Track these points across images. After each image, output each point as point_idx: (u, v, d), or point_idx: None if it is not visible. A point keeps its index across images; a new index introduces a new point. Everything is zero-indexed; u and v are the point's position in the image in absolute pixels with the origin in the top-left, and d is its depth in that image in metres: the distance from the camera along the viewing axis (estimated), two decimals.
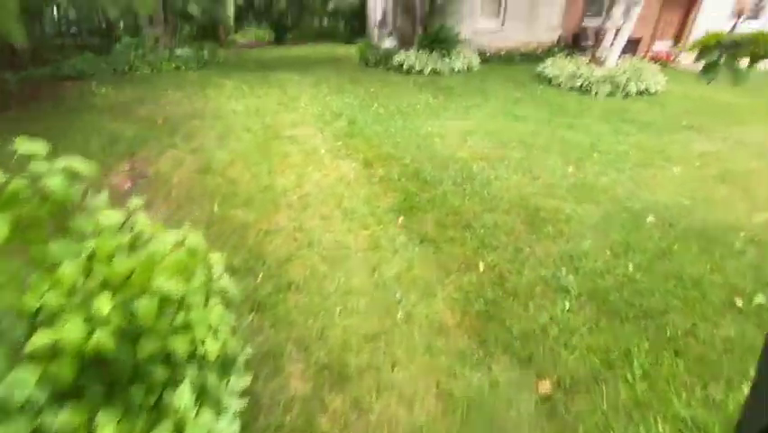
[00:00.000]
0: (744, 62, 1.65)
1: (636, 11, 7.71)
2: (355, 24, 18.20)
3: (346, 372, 1.88)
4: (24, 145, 1.17)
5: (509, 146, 4.82)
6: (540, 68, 8.75)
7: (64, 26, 15.85)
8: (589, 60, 8.36)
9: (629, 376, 1.88)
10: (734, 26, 9.71)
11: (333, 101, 6.75)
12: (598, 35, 8.29)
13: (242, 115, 5.95)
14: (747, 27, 10.96)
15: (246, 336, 2.00)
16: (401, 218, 3.18)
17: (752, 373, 1.09)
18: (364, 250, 2.79)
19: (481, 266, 2.65)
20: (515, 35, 11.00)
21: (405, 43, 10.89)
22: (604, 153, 4.60)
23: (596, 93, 7.37)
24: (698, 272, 2.62)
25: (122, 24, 13.48)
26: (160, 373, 1.18)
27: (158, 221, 3.27)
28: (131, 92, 7.28)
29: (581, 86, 7.61)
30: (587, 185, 3.80)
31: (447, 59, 9.17)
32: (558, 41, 11.03)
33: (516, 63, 10.44)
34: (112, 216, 1.27)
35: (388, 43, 11.70)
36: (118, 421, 1.05)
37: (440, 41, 9.22)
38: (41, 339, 0.97)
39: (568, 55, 9.57)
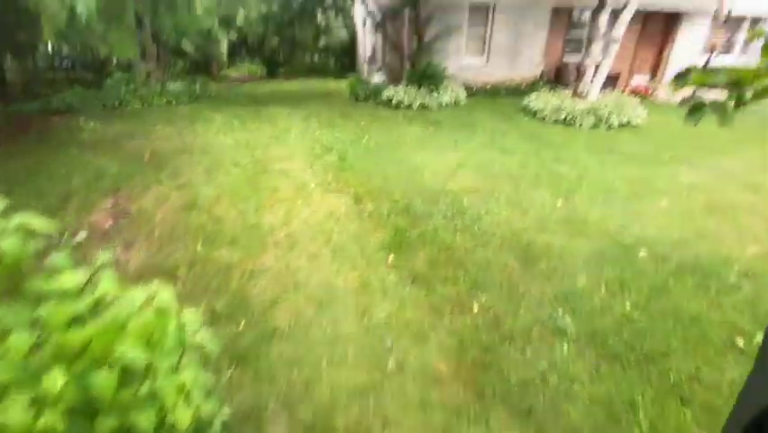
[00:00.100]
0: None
1: (615, 48, 8.08)
2: (346, 60, 18.79)
3: None
4: None
5: (498, 179, 4.84)
6: (525, 101, 9.02)
7: (57, 60, 16.06)
8: (572, 94, 8.65)
9: (636, 431, 1.76)
10: (707, 61, 10.23)
11: (323, 135, 6.80)
12: (579, 70, 8.63)
13: (231, 149, 5.93)
14: (720, 62, 11.57)
15: (224, 395, 1.84)
16: (391, 256, 3.10)
17: None
18: (353, 291, 2.68)
19: (475, 307, 2.55)
20: (499, 71, 11.42)
21: (394, 79, 11.21)
22: (592, 186, 4.64)
23: (580, 125, 7.57)
24: (695, 310, 2.55)
25: (115, 59, 13.69)
26: None
27: (137, 262, 3.14)
28: (119, 126, 7.26)
29: (566, 118, 7.82)
30: (577, 218, 3.79)
31: (435, 94, 9.41)
32: (541, 75, 11.46)
33: (502, 97, 10.76)
34: (72, 278, 1.16)
35: (378, 78, 12.03)
36: None
37: (428, 77, 9.49)
38: None
39: (551, 89, 9.90)
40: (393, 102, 9.40)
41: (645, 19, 11.72)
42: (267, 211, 3.86)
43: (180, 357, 1.33)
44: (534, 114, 8.43)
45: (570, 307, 2.55)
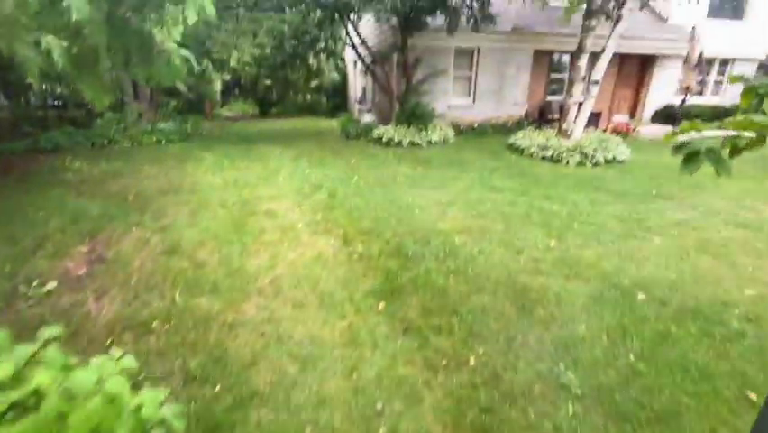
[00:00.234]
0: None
1: (596, 89, 8.41)
2: (337, 100, 19.31)
3: None
4: None
5: (489, 217, 4.79)
6: (512, 139, 9.23)
7: (50, 99, 16.16)
8: (557, 133, 8.89)
9: None
10: (683, 101, 10.71)
11: (313, 173, 6.77)
12: (563, 109, 8.93)
13: (219, 189, 5.83)
14: (695, 101, 12.15)
15: None
16: (382, 304, 2.94)
17: None
18: (341, 345, 2.50)
19: (472, 360, 2.38)
20: (485, 110, 11.80)
21: (383, 119, 11.47)
22: (584, 224, 4.61)
23: (567, 162, 7.71)
24: (702, 360, 2.42)
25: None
26: None
27: (109, 313, 2.92)
28: (106, 166, 7.15)
29: (552, 156, 7.97)
30: (572, 259, 3.70)
31: (424, 133, 9.60)
32: (525, 114, 11.85)
33: (489, 135, 11.03)
34: (4, 368, 1.00)
35: (368, 118, 12.31)
36: None
37: (416, 117, 9.72)
38: None
39: (537, 128, 10.20)
40: (383, 140, 9.54)
41: (621, 61, 12.38)
42: (252, 255, 3.71)
43: None
44: (522, 151, 8.60)
45: (571, 359, 2.40)
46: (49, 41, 2.05)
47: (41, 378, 1.00)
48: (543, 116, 11.28)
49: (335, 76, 19.19)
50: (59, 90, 15.87)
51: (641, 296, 3.10)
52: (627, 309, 2.91)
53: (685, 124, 1.60)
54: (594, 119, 10.00)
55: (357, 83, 16.37)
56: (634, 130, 10.72)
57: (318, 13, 10.30)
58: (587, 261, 3.69)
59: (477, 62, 11.45)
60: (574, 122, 8.61)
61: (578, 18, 9.13)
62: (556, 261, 3.68)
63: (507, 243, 4.05)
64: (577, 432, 1.92)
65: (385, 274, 3.37)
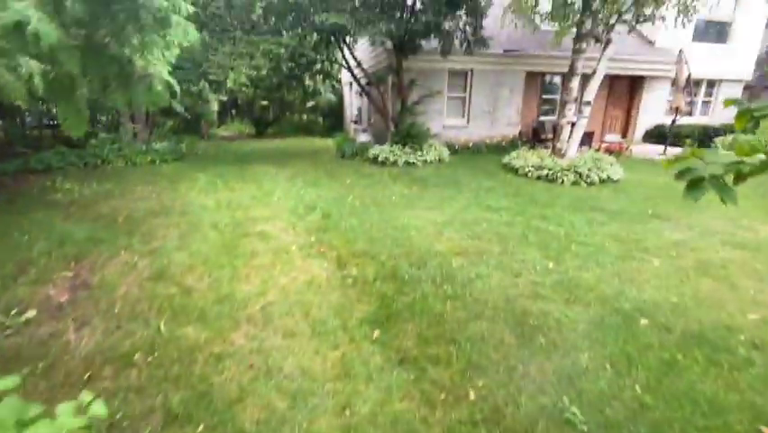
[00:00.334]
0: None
1: (588, 109, 8.53)
2: (333, 120, 19.50)
3: None
4: None
5: (486, 238, 4.72)
6: (506, 159, 9.28)
7: (45, 118, 16.15)
8: (551, 152, 8.96)
9: None
10: (673, 121, 10.89)
11: (308, 194, 6.72)
12: (556, 129, 9.03)
13: (211, 210, 5.74)
14: (685, 121, 12.38)
15: None
16: (377, 332, 2.82)
17: None
18: (333, 378, 2.37)
19: (472, 394, 2.26)
20: (479, 130, 11.93)
21: (379, 139, 11.53)
22: (581, 245, 4.55)
23: (562, 181, 7.72)
24: (711, 391, 2.32)
25: (104, 118, 13.83)
26: None
27: (90, 345, 2.77)
28: (97, 187, 7.06)
29: (547, 175, 8.00)
30: (571, 282, 3.62)
31: (419, 153, 9.64)
32: (519, 134, 11.99)
33: (484, 154, 11.11)
34: None
35: (364, 138, 12.38)
36: None
37: (412, 137, 9.78)
38: None
39: (531, 147, 10.29)
40: (379, 160, 9.56)
41: (612, 83, 12.66)
42: (242, 280, 3.59)
43: None
44: (516, 171, 8.62)
45: (575, 391, 2.28)
46: (32, 65, 2.00)
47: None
48: (536, 136, 11.41)
49: (331, 96, 19.44)
50: (54, 110, 15.90)
51: (643, 321, 3.01)
52: (630, 336, 2.82)
53: (687, 149, 1.55)
54: (587, 139, 10.11)
55: (353, 103, 16.57)
56: (627, 149, 10.83)
57: (314, 36, 10.49)
58: (586, 284, 3.61)
59: (471, 83, 11.65)
60: (568, 141, 8.69)
61: (568, 41, 9.36)
62: (555, 284, 3.59)
63: (504, 265, 3.97)
64: None
65: (380, 300, 3.27)
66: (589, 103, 8.48)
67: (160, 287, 3.44)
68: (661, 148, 11.32)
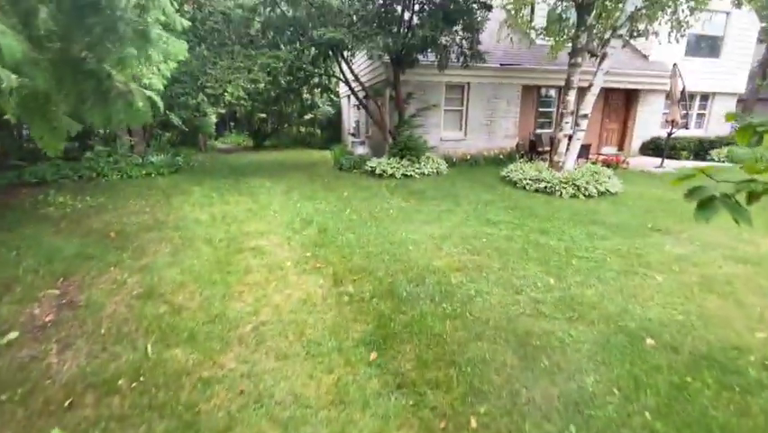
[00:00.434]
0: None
1: (585, 122, 8.55)
2: (331, 132, 19.57)
3: None
4: None
5: (485, 253, 4.64)
6: (504, 171, 9.26)
7: None
8: (549, 165, 8.94)
9: None
10: (669, 134, 10.95)
11: (304, 207, 6.64)
12: (553, 142, 9.03)
13: (205, 224, 5.64)
14: (680, 134, 12.45)
15: None
16: (373, 354, 2.71)
17: None
18: (328, 405, 2.25)
19: (473, 422, 2.14)
20: (477, 143, 11.96)
21: (377, 151, 11.53)
22: (582, 260, 4.47)
23: (560, 194, 7.69)
24: (724, 418, 2.21)
25: (101, 131, 13.78)
26: None
27: (72, 369, 2.64)
28: (91, 200, 6.95)
29: (546, 188, 7.96)
30: (573, 300, 3.53)
31: (417, 165, 9.62)
32: (517, 147, 12.01)
33: (482, 167, 11.10)
34: None
35: (361, 150, 12.39)
36: None
37: (409, 149, 9.77)
38: None
39: (528, 160, 10.29)
40: (376, 172, 9.52)
41: (608, 96, 12.78)
42: (235, 298, 3.48)
43: None
44: (515, 183, 8.59)
45: (582, 418, 2.17)
46: (12, 78, 1.93)
47: None
48: (533, 149, 11.43)
49: (329, 109, 19.55)
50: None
51: (649, 341, 2.91)
52: (637, 357, 2.71)
53: (695, 167, 1.49)
54: (584, 151, 10.13)
55: (350, 116, 16.64)
56: (624, 161, 10.85)
57: (312, 50, 10.56)
58: (589, 301, 3.52)
59: (468, 97, 11.72)
60: (565, 154, 8.69)
61: (563, 54, 9.46)
62: (557, 301, 3.50)
63: (505, 281, 3.88)
64: None
65: (377, 319, 3.16)
66: (586, 116, 8.50)
67: (149, 306, 3.32)
68: (657, 160, 11.36)
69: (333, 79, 14.48)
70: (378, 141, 11.88)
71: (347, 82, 11.59)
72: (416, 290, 3.68)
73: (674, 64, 10.52)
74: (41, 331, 3.03)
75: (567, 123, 8.66)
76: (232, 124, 23.21)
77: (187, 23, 3.42)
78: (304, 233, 5.33)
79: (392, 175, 9.35)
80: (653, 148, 12.99)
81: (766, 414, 2.25)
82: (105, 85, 2.68)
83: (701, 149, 12.52)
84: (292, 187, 8.39)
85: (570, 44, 8.82)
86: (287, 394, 2.34)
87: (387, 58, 10.03)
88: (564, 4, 9.55)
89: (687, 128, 13.39)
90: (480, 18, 9.61)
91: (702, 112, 14.12)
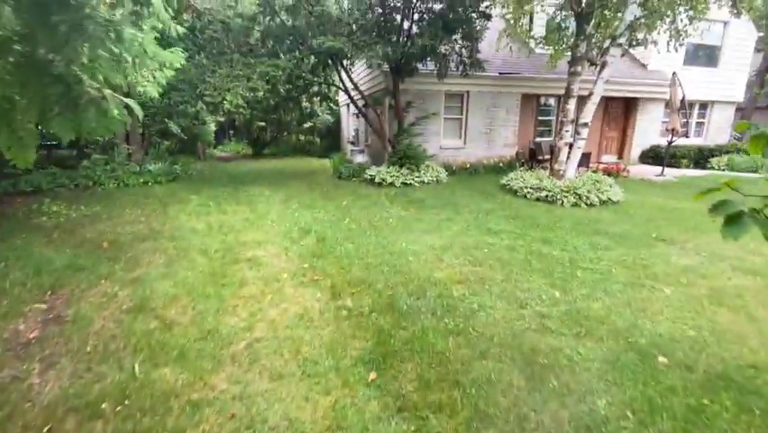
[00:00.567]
0: None
1: (586, 130, 8.50)
2: (330, 140, 19.54)
3: None
4: None
5: (487, 264, 4.52)
6: (504, 179, 9.18)
7: (41, 139, 15.99)
8: (549, 173, 8.87)
9: None
10: (669, 142, 10.91)
11: (302, 216, 6.52)
12: (553, 150, 8.97)
13: (201, 234, 5.52)
14: (680, 142, 12.42)
15: None
16: (373, 374, 2.57)
17: None
18: (324, 431, 2.11)
19: None
20: (476, 151, 11.91)
21: (376, 159, 11.46)
22: (587, 271, 4.35)
23: (562, 203, 7.59)
24: None
25: (100, 139, 13.71)
26: None
27: (54, 390, 2.49)
28: (86, 209, 6.83)
29: (547, 197, 7.87)
30: (580, 314, 3.40)
31: (416, 173, 9.54)
32: (517, 155, 11.96)
33: (481, 175, 11.03)
34: None
35: (360, 159, 12.32)
36: None
37: (409, 157, 9.70)
38: None
39: (528, 168, 10.22)
40: (376, 180, 9.44)
41: (607, 104, 12.77)
42: (229, 312, 3.35)
43: None
44: (515, 192, 8.51)
45: None
46: None
47: None
48: (533, 157, 11.37)
49: (329, 117, 19.56)
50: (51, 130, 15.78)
51: (662, 359, 2.78)
52: (650, 377, 2.58)
53: (718, 185, 1.39)
54: (585, 160, 10.07)
55: (350, 125, 16.62)
56: (624, 170, 10.79)
57: (312, 59, 10.55)
58: (596, 315, 3.39)
59: (467, 105, 11.70)
60: (566, 162, 8.62)
61: (563, 63, 9.44)
62: (563, 316, 3.37)
63: (508, 295, 3.75)
64: None
65: (377, 335, 3.02)
66: (586, 124, 8.45)
67: (139, 321, 3.19)
68: (657, 168, 11.31)
69: (333, 88, 14.47)
70: (377, 149, 11.82)
71: (346, 91, 11.57)
72: (417, 303, 3.56)
73: (674, 73, 10.52)
74: (24, 349, 2.89)
75: (567, 131, 8.60)
76: (231, 132, 23.19)
77: (182, 30, 3.35)
78: (302, 243, 5.21)
79: (392, 184, 9.26)
80: (652, 156, 12.96)
81: None
82: (75, 90, 2.52)
83: (701, 157, 12.50)
84: (291, 195, 8.28)
85: (569, 53, 8.81)
86: (281, 419, 2.20)
87: (386, 66, 10.01)
88: (563, 13, 9.57)
89: (687, 137, 13.38)
90: (479, 27, 9.61)
91: (701, 120, 14.12)
